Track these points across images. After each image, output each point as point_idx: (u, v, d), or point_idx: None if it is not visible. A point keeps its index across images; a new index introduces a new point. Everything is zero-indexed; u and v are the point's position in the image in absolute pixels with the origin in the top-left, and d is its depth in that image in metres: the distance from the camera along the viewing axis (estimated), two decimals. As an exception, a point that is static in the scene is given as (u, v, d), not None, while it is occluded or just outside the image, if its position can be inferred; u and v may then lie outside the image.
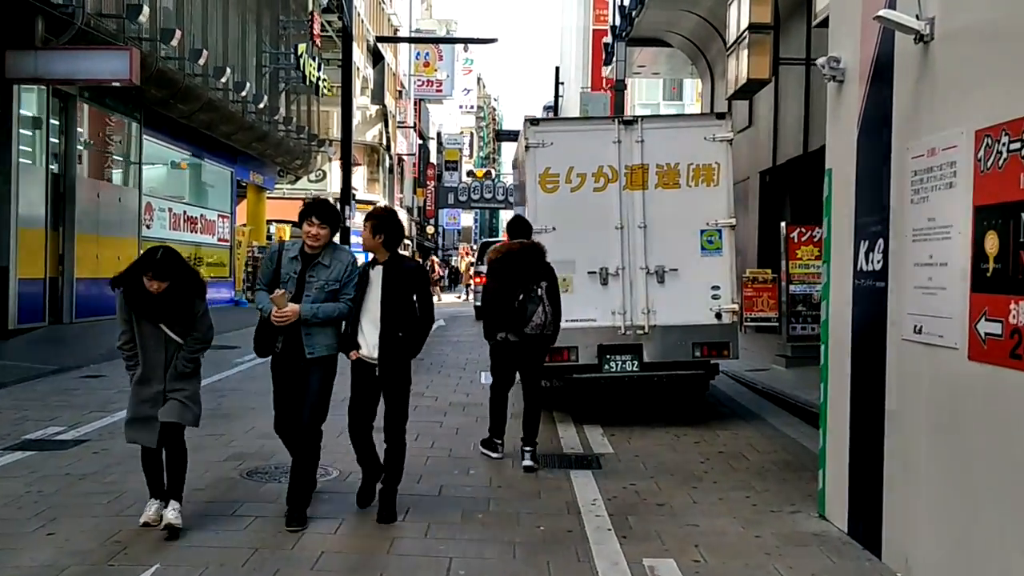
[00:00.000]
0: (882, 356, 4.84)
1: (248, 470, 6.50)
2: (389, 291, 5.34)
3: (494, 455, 7.13)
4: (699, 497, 6.02)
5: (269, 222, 33.78)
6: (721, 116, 8.62)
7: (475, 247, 42.01)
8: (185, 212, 23.60)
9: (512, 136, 27.68)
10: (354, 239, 37.96)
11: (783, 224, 12.20)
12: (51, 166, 16.13)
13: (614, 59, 19.92)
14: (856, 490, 5.18)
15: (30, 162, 15.43)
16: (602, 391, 9.04)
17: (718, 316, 8.38)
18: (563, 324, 8.12)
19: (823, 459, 5.67)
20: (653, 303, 8.36)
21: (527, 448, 6.84)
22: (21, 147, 15.02)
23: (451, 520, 5.44)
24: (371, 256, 5.54)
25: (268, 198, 34.85)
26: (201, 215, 24.87)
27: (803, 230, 11.98)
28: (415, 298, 5.44)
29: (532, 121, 8.47)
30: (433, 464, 6.82)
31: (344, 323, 5.51)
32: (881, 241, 4.91)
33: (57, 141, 16.55)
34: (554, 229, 8.37)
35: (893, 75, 4.82)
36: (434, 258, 43.29)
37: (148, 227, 20.71)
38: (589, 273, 8.37)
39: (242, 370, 12.46)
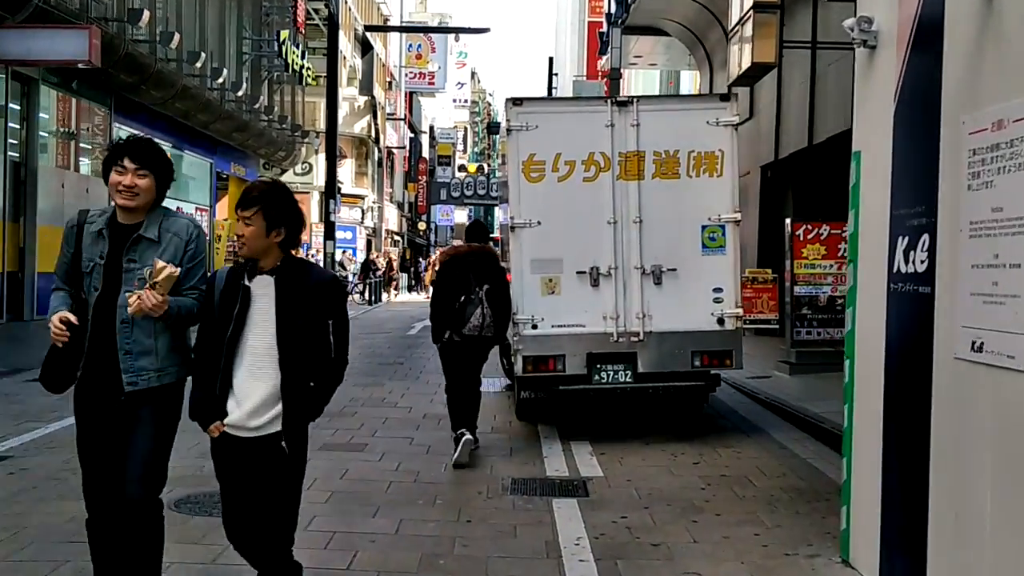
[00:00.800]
0: (927, 377, 3.98)
1: (178, 499, 5.61)
2: (289, 317, 3.44)
3: (463, 450, 6.75)
4: (700, 534, 5.16)
5: (253, 216, 32.84)
6: (725, 98, 7.75)
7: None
8: (161, 205, 22.64)
9: (503, 129, 26.81)
10: (340, 234, 37.09)
11: (788, 221, 11.36)
12: (11, 154, 15.20)
13: (609, 48, 19.06)
14: (891, 535, 4.32)
15: (-14, 149, 14.50)
16: (592, 404, 8.16)
17: (720, 321, 7.53)
18: (549, 331, 7.36)
19: (847, 494, 4.81)
20: (649, 307, 7.50)
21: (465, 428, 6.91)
22: (-24, 133, 14.11)
23: (406, 568, 4.57)
24: (235, 260, 3.72)
25: (253, 191, 33.90)
26: (177, 207, 23.89)
27: (810, 227, 11.15)
28: (330, 327, 3.54)
29: (515, 101, 7.59)
30: (395, 492, 5.94)
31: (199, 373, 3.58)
32: (926, 237, 4.05)
33: (17, 127, 15.62)
34: (539, 223, 7.51)
35: (943, 33, 3.95)
36: (392, 255, 41.05)
37: (120, 220, 19.79)
38: (578, 273, 7.50)
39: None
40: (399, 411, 8.89)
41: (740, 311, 7.61)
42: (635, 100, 7.66)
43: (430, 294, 7.57)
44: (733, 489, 6.15)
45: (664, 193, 7.53)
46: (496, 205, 56.18)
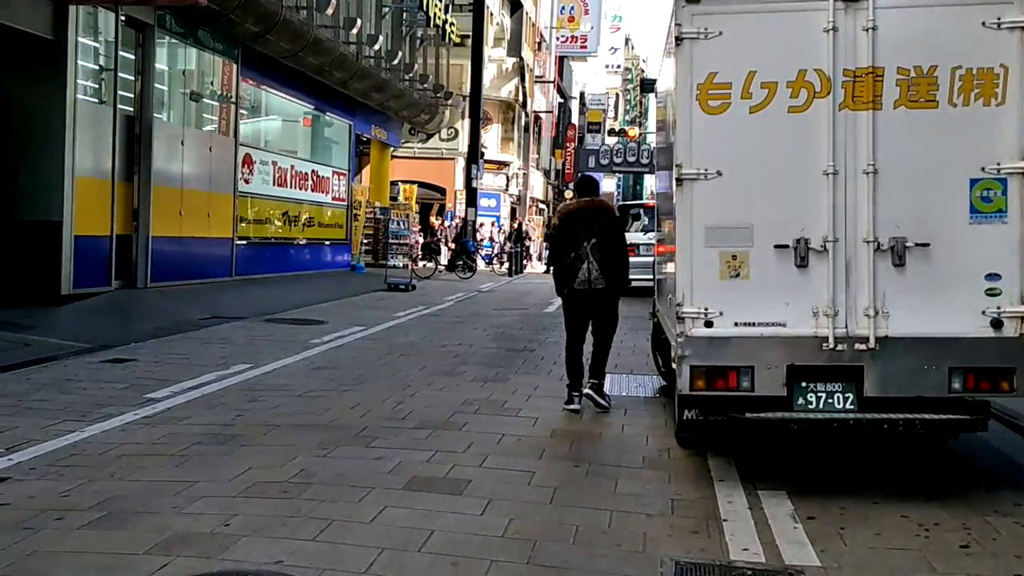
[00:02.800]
0: None
1: (168, 581, 3.69)
2: None
3: (571, 407, 7.15)
4: None
5: (394, 183, 31.52)
6: (1014, -15, 5.15)
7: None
8: (293, 167, 21.42)
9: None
10: (483, 202, 35.40)
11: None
12: (123, 107, 14.03)
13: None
14: None
15: (95, 101, 13.33)
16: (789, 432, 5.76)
17: (996, 324, 5.01)
18: (731, 331, 5.11)
19: None
20: (885, 300, 5.07)
21: (592, 379, 7.28)
22: (82, 82, 12.92)
23: None
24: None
25: (397, 157, 32.59)
26: (313, 171, 22.69)
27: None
28: None
29: (690, -4, 5.25)
30: (494, 581, 3.83)
31: None
32: None
33: (131, 79, 14.44)
34: (718, 174, 5.18)
35: None
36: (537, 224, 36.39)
37: (247, 182, 18.59)
38: (777, 247, 5.15)
39: (310, 356, 9.89)
40: (521, 423, 6.79)
41: (1029, 310, 5.06)
42: (872, -9, 5.16)
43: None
44: (1048, 610, 3.72)
45: (913, 129, 5.06)
46: (647, 172, 53.02)
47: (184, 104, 16.29)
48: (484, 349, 10.76)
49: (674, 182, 5.22)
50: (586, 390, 7.24)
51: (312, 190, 22.64)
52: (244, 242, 18.49)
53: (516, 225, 33.94)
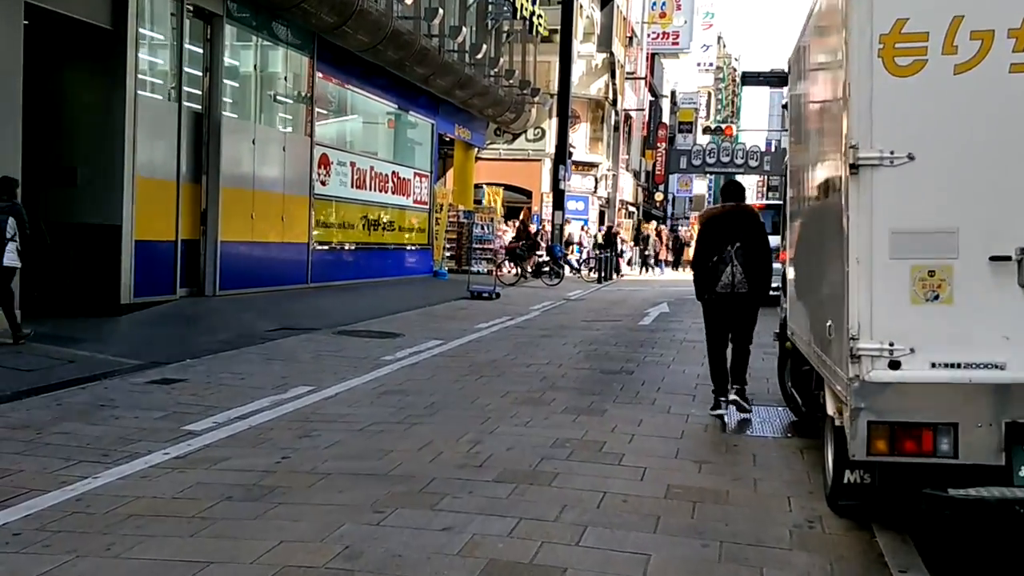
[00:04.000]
0: None
1: None
2: None
3: (717, 412, 7.11)
4: None
5: (478, 185, 30.43)
6: None
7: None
8: (373, 168, 20.50)
9: (762, 79, 22.44)
10: (571, 204, 34.06)
11: None
12: (189, 104, 13.23)
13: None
14: None
15: (159, 97, 12.53)
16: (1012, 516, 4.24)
17: None
18: (927, 374, 3.66)
19: None
20: None
21: (735, 385, 7.13)
22: (145, 77, 12.11)
23: None
24: None
25: (481, 159, 31.54)
26: (393, 172, 21.74)
27: None
28: None
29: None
30: None
31: None
32: None
33: (199, 74, 13.63)
34: (910, 158, 3.77)
35: None
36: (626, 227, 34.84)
37: (323, 183, 17.71)
38: (993, 260, 3.72)
39: (380, 376, 8.76)
40: (626, 475, 5.46)
41: None
42: None
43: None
44: None
45: None
46: (740, 173, 50.70)
47: (256, 101, 15.46)
48: (575, 370, 9.45)
49: (847, 170, 3.82)
50: (732, 396, 7.13)
51: (392, 192, 21.71)
52: (322, 247, 17.61)
53: (606, 228, 32.54)
